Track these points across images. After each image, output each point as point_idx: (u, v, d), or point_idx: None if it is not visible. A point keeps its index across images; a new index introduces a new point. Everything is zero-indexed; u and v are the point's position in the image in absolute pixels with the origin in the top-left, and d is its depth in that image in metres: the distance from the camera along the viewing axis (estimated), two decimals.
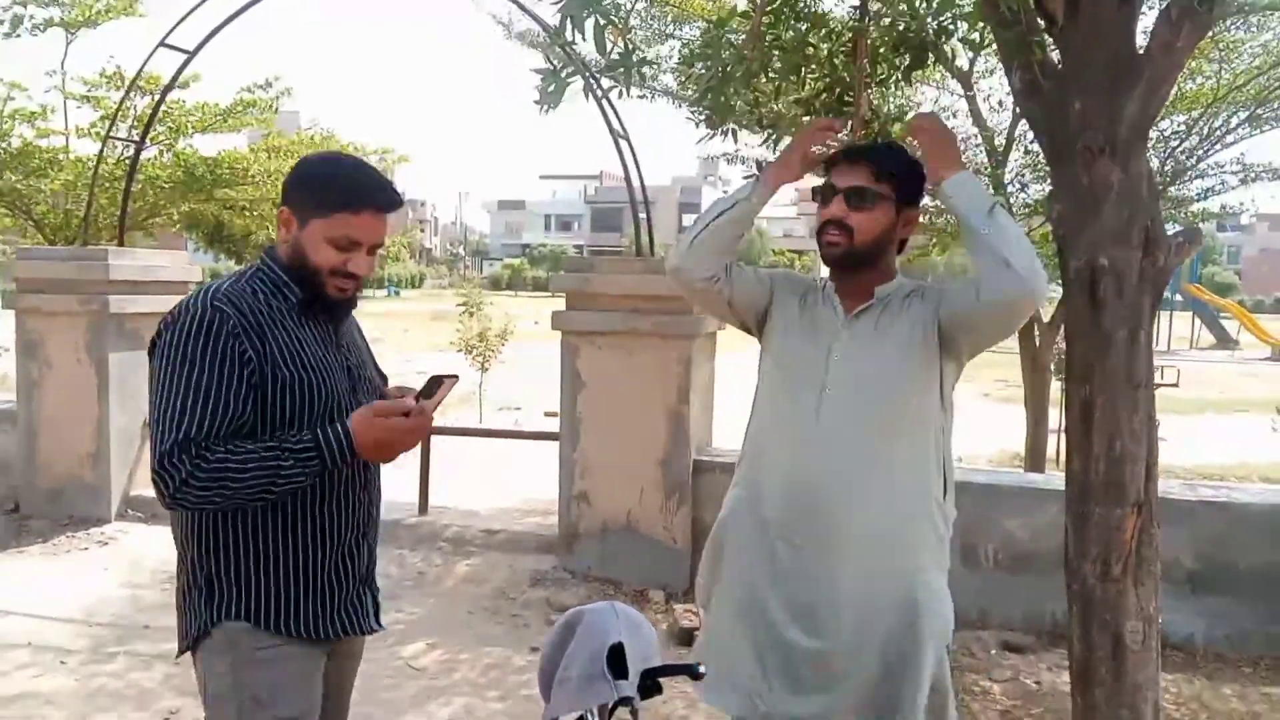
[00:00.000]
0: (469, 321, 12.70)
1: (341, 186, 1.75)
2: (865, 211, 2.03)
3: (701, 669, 1.31)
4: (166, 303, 5.74)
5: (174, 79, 6.43)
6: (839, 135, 2.16)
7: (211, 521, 1.71)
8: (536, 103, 2.46)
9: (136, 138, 7.03)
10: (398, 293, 56.31)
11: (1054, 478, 4.99)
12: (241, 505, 1.64)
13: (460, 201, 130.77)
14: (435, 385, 1.73)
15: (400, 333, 26.67)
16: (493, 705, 3.58)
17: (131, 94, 8.13)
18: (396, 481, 6.79)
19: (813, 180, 2.30)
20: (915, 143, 2.13)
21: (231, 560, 1.72)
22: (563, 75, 2.39)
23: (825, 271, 2.25)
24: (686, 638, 4.21)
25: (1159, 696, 2.23)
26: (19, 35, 8.82)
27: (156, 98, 7.25)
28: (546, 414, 12.02)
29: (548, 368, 5.79)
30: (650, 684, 1.30)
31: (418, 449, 5.90)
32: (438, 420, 1.92)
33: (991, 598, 4.42)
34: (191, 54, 5.89)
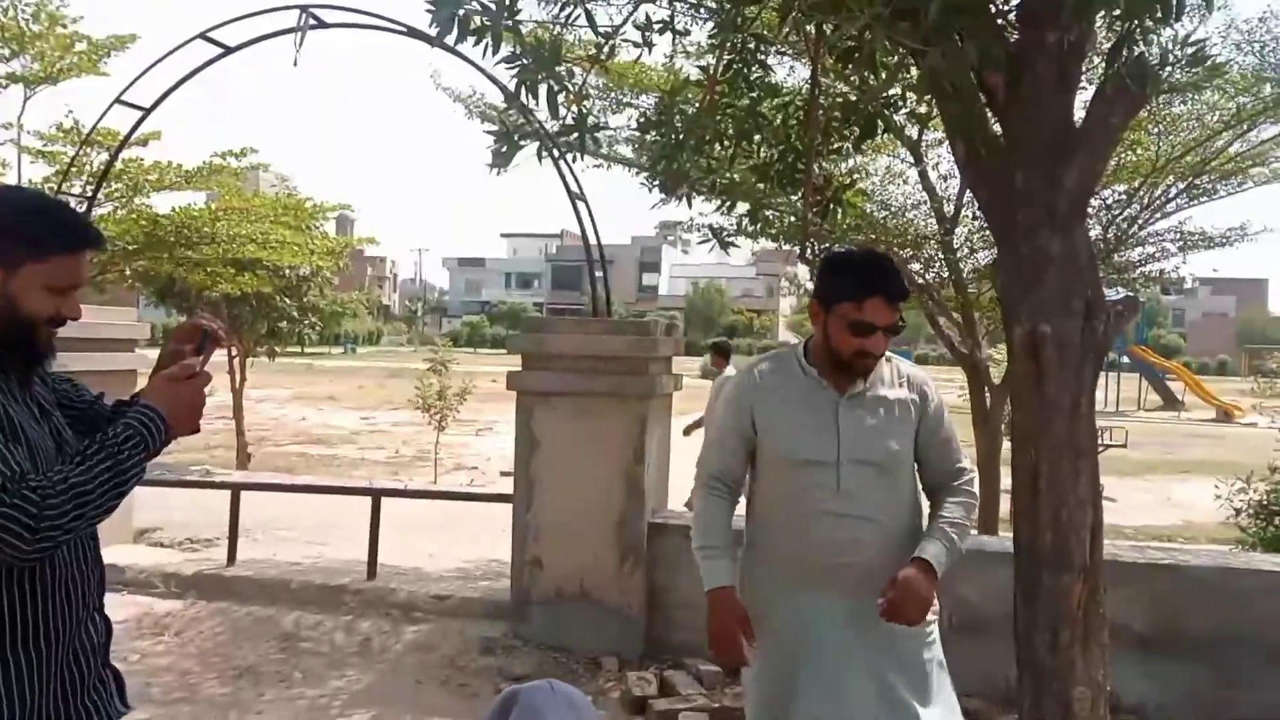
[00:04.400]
0: (429, 379, 12.60)
1: (57, 226, 1.59)
2: (891, 336, 2.30)
3: None
4: (110, 360, 5.62)
5: (128, 135, 6.40)
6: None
7: None
8: (489, 164, 2.49)
9: (90, 194, 6.95)
10: (354, 349, 55.85)
11: (1006, 540, 5.02)
12: (98, 518, 1.52)
13: (419, 258, 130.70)
14: (204, 339, 1.70)
15: (355, 390, 26.42)
16: None
17: (88, 150, 8.05)
18: (344, 544, 6.67)
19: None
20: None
21: None
22: (515, 138, 2.42)
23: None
24: (640, 706, 4.12)
25: None
26: None
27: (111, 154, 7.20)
28: (503, 474, 11.91)
29: (506, 427, 5.72)
30: None
31: (367, 511, 5.78)
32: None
33: (947, 663, 4.39)
34: (147, 111, 5.87)
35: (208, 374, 1.67)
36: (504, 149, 2.46)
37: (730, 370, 8.42)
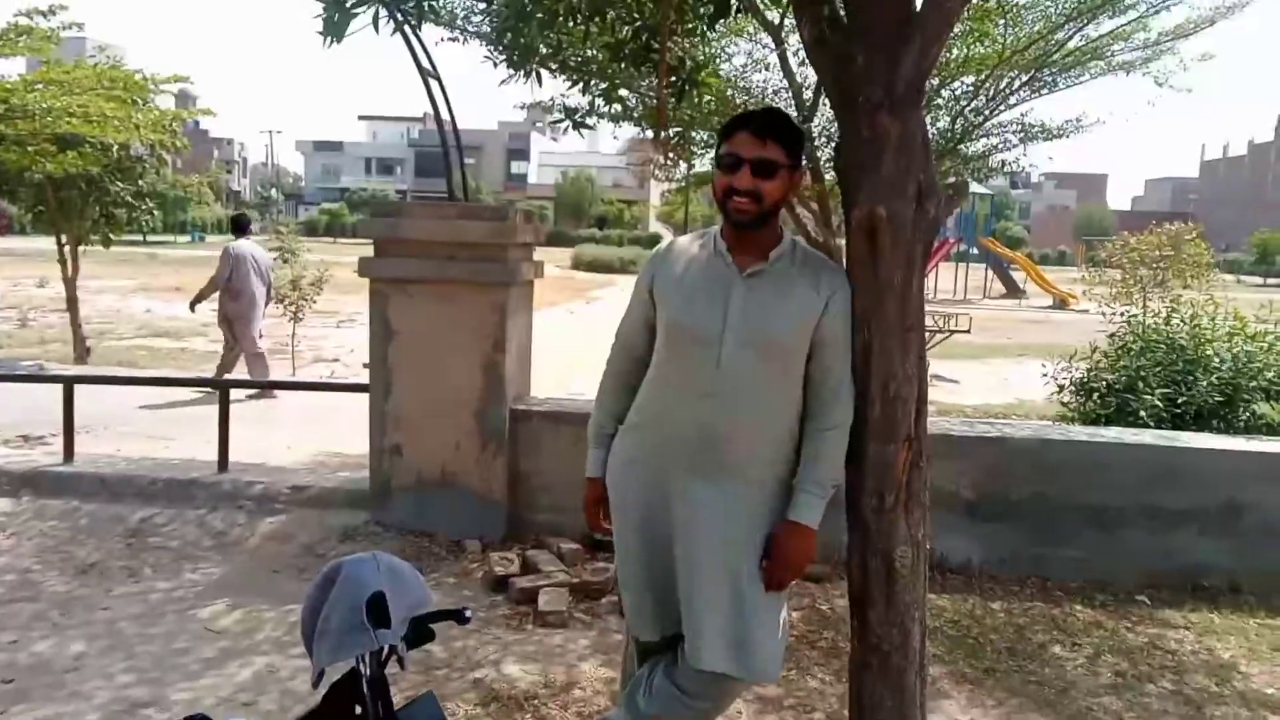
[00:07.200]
0: (282, 270, 12.07)
1: None
2: (770, 180, 2.21)
3: (468, 614, 1.31)
4: None
5: None
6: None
7: None
8: (320, 33, 2.33)
9: None
10: (202, 238, 52.85)
11: None
12: None
13: (271, 141, 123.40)
14: None
15: (204, 280, 25.07)
16: (297, 663, 3.47)
17: None
18: (194, 440, 6.43)
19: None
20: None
21: None
22: (347, 5, 2.27)
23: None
24: (502, 584, 4.22)
25: (925, 615, 2.42)
26: None
27: None
28: (365, 365, 11.62)
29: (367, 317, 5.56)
30: (422, 631, 1.29)
31: (216, 403, 5.58)
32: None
33: None
34: None
35: None
36: (335, 17, 2.31)
37: (242, 242, 9.19)
